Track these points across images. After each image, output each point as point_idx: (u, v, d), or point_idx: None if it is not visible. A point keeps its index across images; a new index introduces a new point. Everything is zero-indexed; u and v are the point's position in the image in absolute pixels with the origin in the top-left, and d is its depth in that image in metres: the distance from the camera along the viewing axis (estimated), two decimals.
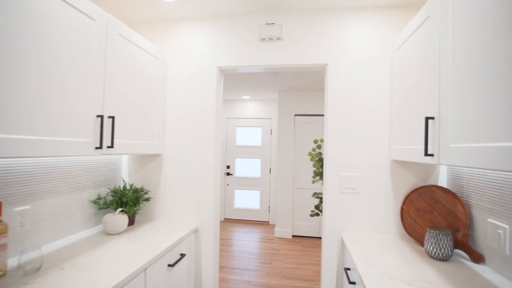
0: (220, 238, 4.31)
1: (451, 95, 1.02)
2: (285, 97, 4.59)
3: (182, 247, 1.72)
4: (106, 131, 1.37)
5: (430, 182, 1.73)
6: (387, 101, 1.77)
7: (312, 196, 2.29)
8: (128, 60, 1.56)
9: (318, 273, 3.17)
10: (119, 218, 1.63)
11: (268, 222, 5.31)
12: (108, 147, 1.38)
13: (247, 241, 4.22)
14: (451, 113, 1.02)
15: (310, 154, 2.31)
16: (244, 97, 5.17)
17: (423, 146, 1.23)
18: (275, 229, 4.49)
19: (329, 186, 1.80)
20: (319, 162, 2.33)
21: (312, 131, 4.51)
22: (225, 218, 5.46)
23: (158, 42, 2.05)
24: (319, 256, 3.68)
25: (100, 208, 1.72)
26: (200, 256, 1.94)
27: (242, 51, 1.94)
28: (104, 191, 1.85)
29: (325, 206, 1.82)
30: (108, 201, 1.77)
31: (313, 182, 2.27)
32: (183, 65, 2.01)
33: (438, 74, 1.12)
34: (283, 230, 4.47)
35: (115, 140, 1.44)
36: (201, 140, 1.97)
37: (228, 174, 5.42)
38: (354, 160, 1.79)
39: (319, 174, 2.26)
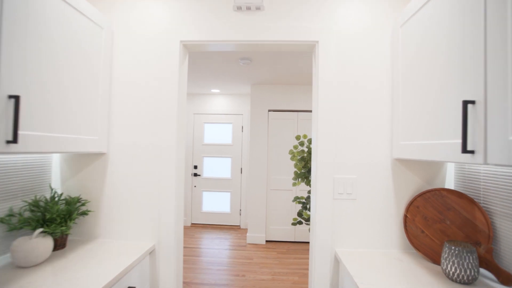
0: (186, 247, 3.84)
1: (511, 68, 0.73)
2: (258, 90, 4.24)
3: (132, 278, 1.28)
4: (4, 117, 0.90)
5: (436, 184, 1.47)
6: (388, 86, 1.48)
7: (294, 201, 1.95)
8: (50, 20, 1.09)
9: (297, 284, 2.87)
10: (37, 244, 1.15)
11: (239, 226, 4.93)
12: (9, 142, 0.91)
13: (216, 249, 3.81)
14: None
15: (291, 152, 1.97)
16: (213, 90, 4.74)
17: (457, 141, 0.93)
18: (248, 234, 4.13)
19: (320, 192, 1.47)
20: (301, 161, 1.99)
21: (287, 128, 4.21)
22: (192, 224, 4.99)
23: (101, 4, 1.58)
24: (296, 264, 3.38)
25: (11, 229, 1.23)
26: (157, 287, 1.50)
27: (213, 22, 1.54)
28: (20, 205, 1.35)
29: (314, 215, 1.49)
30: (24, 218, 1.27)
31: (294, 184, 1.93)
32: (136, 37, 1.56)
33: (483, 45, 0.82)
34: (256, 236, 4.12)
35: (21, 132, 0.97)
36: (159, 135, 1.53)
37: (195, 175, 4.95)
38: (350, 160, 1.48)
39: (301, 175, 1.92)
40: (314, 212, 1.49)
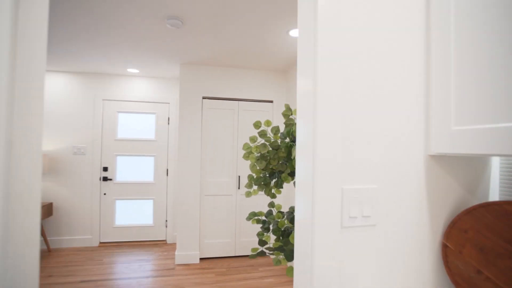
0: (85, 281, 2.77)
1: None
2: (190, 72, 3.40)
3: None
4: None
5: (479, 193, 0.98)
6: (422, 39, 0.92)
7: (250, 219, 1.24)
8: None
9: None
10: None
11: (165, 241, 4.00)
12: None
13: (134, 278, 2.86)
14: None
15: (246, 147, 1.26)
16: (130, 70, 3.69)
17: None
18: (176, 253, 3.28)
19: (318, 216, 0.82)
20: (262, 161, 1.31)
21: (226, 120, 3.50)
22: (100, 243, 3.83)
23: None
24: (242, 287, 2.72)
25: None
26: None
27: None
28: None
29: (312, 265, 0.82)
30: None
31: (248, 195, 1.24)
32: None
33: None
34: (188, 254, 3.30)
35: None
36: None
37: (105, 179, 3.81)
38: (367, 160, 0.86)
39: (259, 181, 1.23)
40: (305, 255, 0.83)
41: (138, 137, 3.96)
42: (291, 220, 1.38)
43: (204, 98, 3.45)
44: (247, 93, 3.55)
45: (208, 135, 3.45)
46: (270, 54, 3.01)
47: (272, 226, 1.47)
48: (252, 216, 1.52)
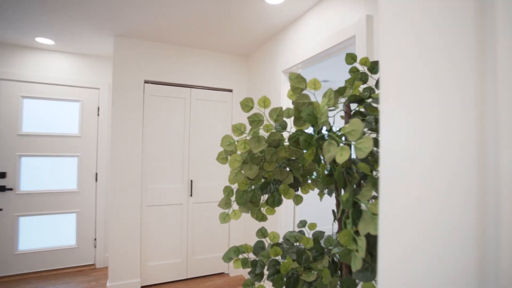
0: None
1: None
2: (127, 48, 2.63)
3: None
4: None
5: None
6: None
7: (230, 260, 0.63)
8: None
9: None
10: None
11: (93, 265, 3.12)
12: None
13: None
14: None
15: (227, 142, 0.65)
16: (40, 40, 2.73)
17: None
18: (109, 283, 2.49)
19: None
20: (253, 165, 0.73)
21: (176, 110, 2.81)
22: None
23: None
24: None
25: None
26: None
27: None
28: None
29: None
30: None
31: (226, 220, 0.64)
32: None
33: None
34: (125, 283, 2.54)
35: None
36: None
37: (1, 189, 2.78)
38: None
39: (244, 198, 0.63)
40: None
41: (54, 131, 2.99)
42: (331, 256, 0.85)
43: (146, 82, 2.71)
44: (202, 79, 2.91)
45: (151, 129, 2.72)
46: (234, 29, 2.43)
47: (268, 269, 0.92)
48: (233, 254, 0.94)
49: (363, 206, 0.68)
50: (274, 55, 2.54)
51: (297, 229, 2.33)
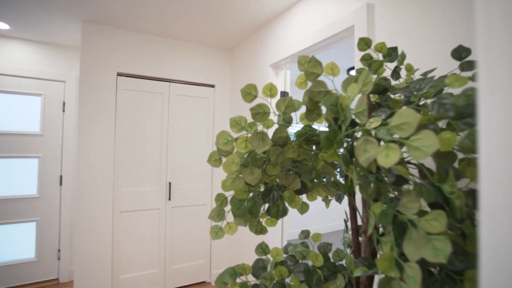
0: None
1: None
2: (98, 36, 2.35)
3: None
4: None
5: None
6: None
7: (223, 285, 0.43)
8: None
9: None
10: None
11: (57, 280, 2.78)
12: None
13: None
14: None
15: (223, 141, 0.47)
16: None
17: None
18: None
19: None
20: (254, 169, 0.56)
21: (153, 106, 2.57)
22: None
23: None
24: None
25: None
26: None
27: None
28: None
29: None
30: None
31: (219, 235, 0.45)
32: None
33: None
34: None
35: None
36: None
37: None
38: None
39: (243, 209, 0.45)
40: None
41: (10, 129, 2.63)
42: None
43: (119, 75, 2.45)
44: (182, 73, 2.69)
45: (125, 127, 2.45)
46: (219, 19, 2.24)
47: None
48: (229, 277, 0.77)
49: (410, 221, 0.53)
50: (261, 48, 2.38)
51: (285, 238, 2.18)
